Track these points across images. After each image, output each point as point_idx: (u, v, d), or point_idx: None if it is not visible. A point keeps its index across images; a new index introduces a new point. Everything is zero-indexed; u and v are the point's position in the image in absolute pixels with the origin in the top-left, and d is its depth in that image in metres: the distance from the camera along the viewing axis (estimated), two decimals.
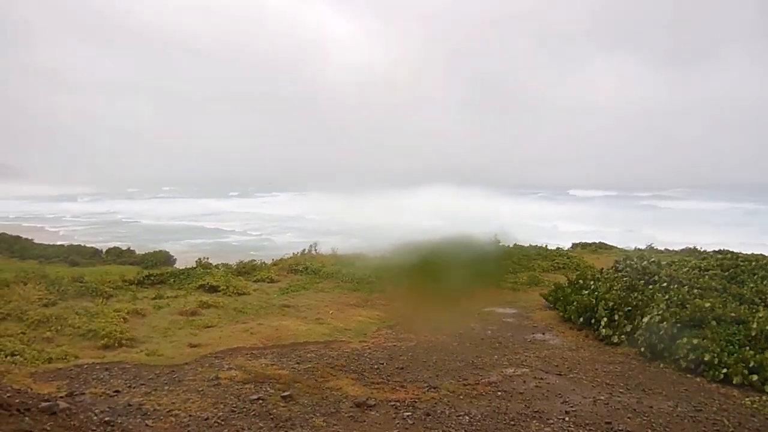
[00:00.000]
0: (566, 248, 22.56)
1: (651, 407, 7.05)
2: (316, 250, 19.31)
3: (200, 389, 7.02)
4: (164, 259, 27.65)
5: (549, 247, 20.78)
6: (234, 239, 49.23)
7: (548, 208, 67.39)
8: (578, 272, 14.90)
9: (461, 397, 7.24)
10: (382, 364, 8.55)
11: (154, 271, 16.04)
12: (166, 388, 7.03)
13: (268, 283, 15.05)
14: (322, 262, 17.23)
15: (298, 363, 8.36)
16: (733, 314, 9.53)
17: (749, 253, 15.14)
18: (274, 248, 34.13)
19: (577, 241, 24.59)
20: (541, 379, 8.03)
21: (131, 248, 30.86)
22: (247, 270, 16.03)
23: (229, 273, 15.24)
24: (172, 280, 14.43)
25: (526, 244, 20.55)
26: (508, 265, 17.46)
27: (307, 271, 16.46)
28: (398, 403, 6.90)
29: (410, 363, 8.64)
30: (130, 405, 6.37)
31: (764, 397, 7.51)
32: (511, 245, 20.42)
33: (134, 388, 6.97)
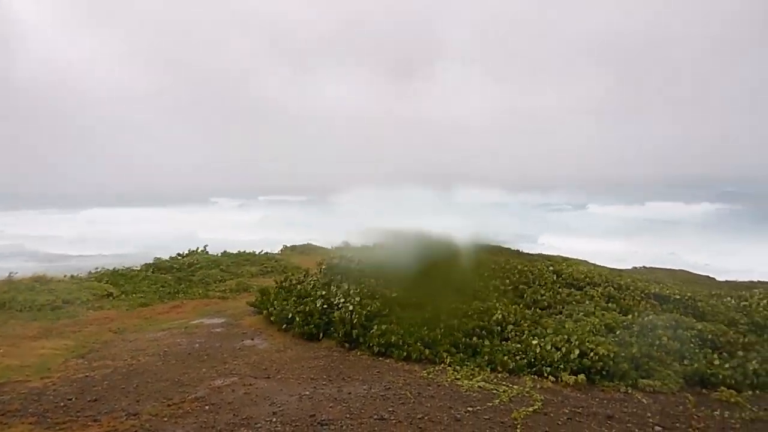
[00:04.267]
0: (275, 252, 23.34)
1: (350, 393, 7.72)
2: None
3: None
4: None
5: (257, 253, 21.17)
6: None
7: (240, 217, 67.05)
8: (285, 275, 15.44)
9: (165, 418, 6.81)
10: (71, 399, 7.51)
11: None
12: None
13: None
14: None
15: None
16: (413, 300, 11.10)
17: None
18: None
19: (288, 244, 25.60)
20: (250, 385, 8.06)
21: None
22: None
23: None
24: None
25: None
26: (216, 274, 17.19)
27: None
28: None
29: (106, 393, 7.78)
30: None
31: (437, 367, 8.94)
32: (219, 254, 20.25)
33: None
